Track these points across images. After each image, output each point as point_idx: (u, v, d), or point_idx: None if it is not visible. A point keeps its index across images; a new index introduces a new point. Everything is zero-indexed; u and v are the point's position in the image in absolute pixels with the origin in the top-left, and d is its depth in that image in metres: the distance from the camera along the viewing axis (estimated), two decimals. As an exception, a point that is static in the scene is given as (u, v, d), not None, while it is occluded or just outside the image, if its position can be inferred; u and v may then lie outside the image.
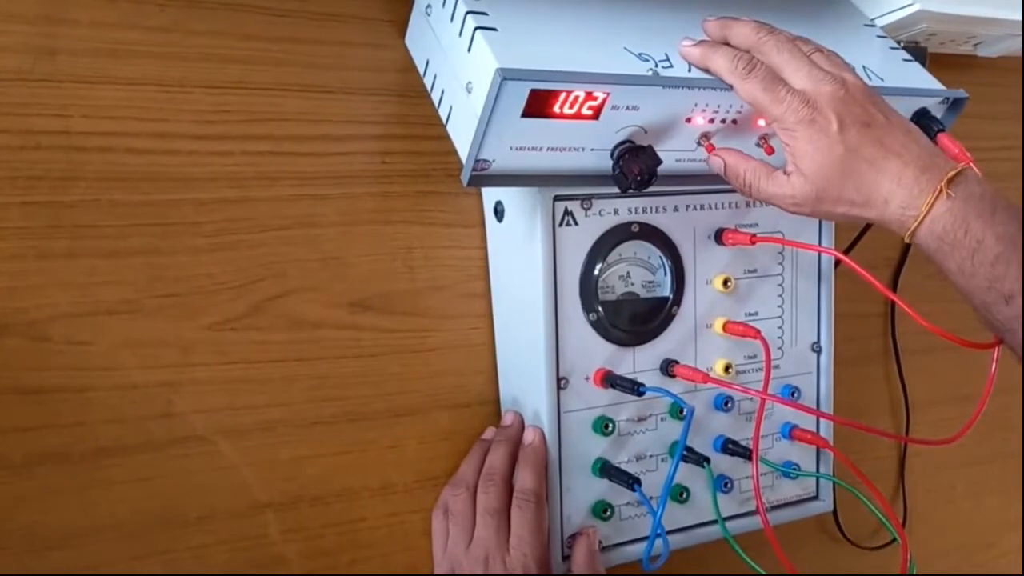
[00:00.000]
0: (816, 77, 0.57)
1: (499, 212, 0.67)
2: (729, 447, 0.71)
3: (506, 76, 0.52)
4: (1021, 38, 0.79)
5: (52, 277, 0.57)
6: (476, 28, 0.55)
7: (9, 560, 0.57)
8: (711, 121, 0.61)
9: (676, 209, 0.68)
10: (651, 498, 0.67)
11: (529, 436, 0.66)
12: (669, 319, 0.69)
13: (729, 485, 0.73)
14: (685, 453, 0.68)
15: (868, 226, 0.85)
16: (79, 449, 0.58)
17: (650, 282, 0.69)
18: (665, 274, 0.69)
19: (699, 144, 0.62)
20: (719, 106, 0.60)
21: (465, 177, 0.57)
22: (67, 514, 0.58)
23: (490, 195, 0.68)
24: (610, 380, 0.66)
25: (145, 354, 0.59)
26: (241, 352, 0.62)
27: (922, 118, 0.66)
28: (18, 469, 0.57)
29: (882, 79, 0.66)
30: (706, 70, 0.60)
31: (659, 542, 0.65)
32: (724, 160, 0.61)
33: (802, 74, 0.57)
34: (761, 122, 0.62)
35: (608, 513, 0.68)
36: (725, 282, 0.70)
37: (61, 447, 0.58)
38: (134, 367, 0.59)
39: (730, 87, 0.58)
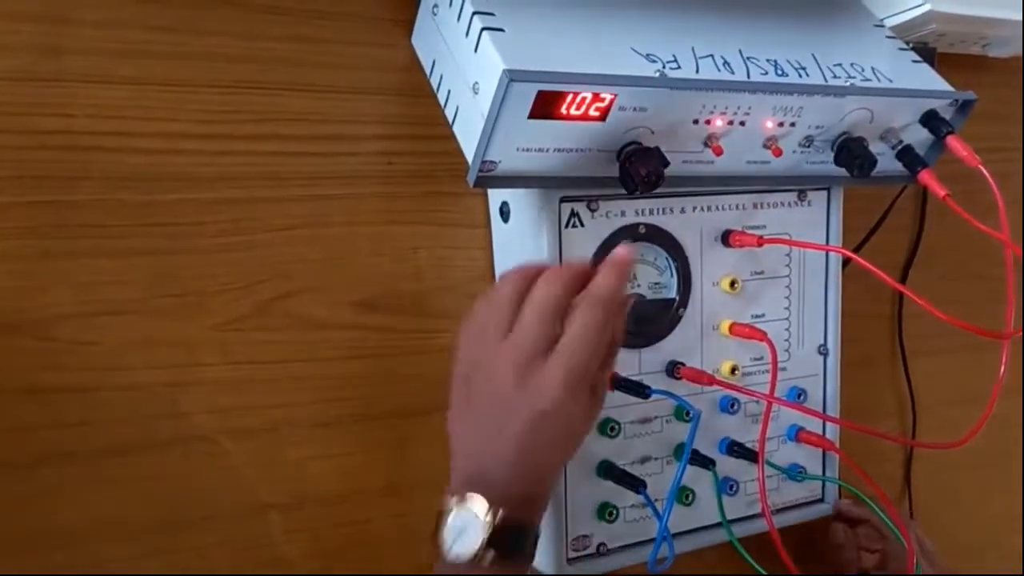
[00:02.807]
0: None
1: (505, 213, 0.67)
2: (735, 449, 0.71)
3: (513, 77, 0.52)
4: (1021, 40, 0.79)
5: (58, 277, 0.57)
6: (483, 29, 0.55)
7: (14, 559, 0.57)
8: (719, 123, 0.61)
9: (683, 211, 0.68)
10: (656, 500, 0.67)
11: (619, 251, 0.54)
12: (675, 321, 0.69)
13: (734, 487, 0.72)
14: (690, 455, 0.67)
15: (877, 226, 0.85)
16: (84, 449, 0.58)
17: (656, 283, 0.68)
18: (672, 276, 0.69)
19: (706, 146, 0.62)
20: (727, 108, 0.60)
21: (471, 178, 0.56)
22: (72, 513, 0.58)
23: (496, 196, 0.68)
24: (616, 382, 0.66)
25: (151, 354, 0.59)
26: (247, 352, 0.62)
27: (931, 120, 0.66)
28: (24, 468, 0.57)
29: (891, 80, 0.65)
30: None
31: (665, 545, 0.64)
32: None
33: None
34: (769, 124, 0.62)
35: (612, 515, 0.68)
36: (732, 284, 0.70)
37: (66, 447, 0.58)
38: (140, 367, 0.59)
39: None
